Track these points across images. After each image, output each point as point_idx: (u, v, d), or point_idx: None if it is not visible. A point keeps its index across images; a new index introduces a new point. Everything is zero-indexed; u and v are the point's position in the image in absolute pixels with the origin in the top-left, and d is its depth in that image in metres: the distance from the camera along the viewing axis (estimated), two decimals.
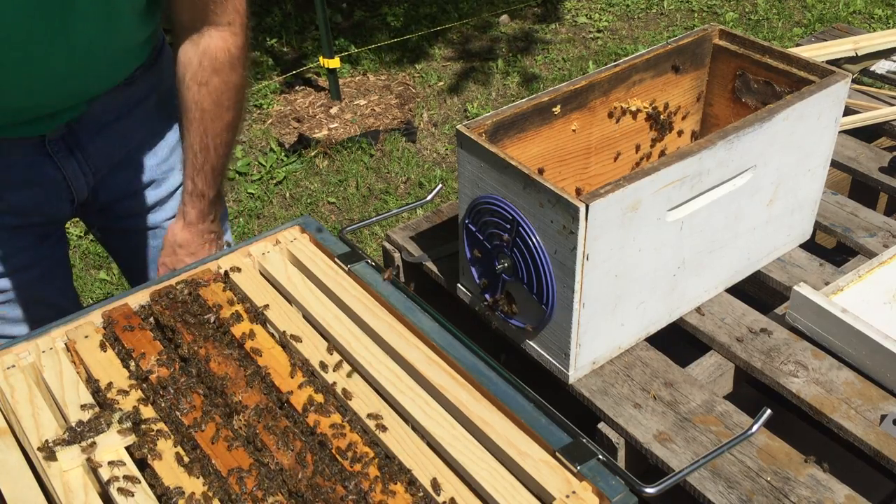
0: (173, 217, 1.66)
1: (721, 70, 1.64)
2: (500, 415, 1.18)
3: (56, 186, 1.53)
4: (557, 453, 1.12)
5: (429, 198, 1.68)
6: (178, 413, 1.19)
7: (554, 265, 1.27)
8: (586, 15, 4.95)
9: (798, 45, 2.24)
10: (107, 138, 1.55)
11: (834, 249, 1.87)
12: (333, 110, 4.20)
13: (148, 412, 1.20)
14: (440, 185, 1.78)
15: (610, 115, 1.57)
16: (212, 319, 1.35)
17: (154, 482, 1.11)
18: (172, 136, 1.65)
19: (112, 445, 1.14)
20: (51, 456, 1.12)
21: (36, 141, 1.46)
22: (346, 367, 1.27)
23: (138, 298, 1.40)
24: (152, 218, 1.70)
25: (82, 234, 3.50)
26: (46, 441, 1.14)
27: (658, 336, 1.46)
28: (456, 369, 1.25)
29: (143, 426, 1.17)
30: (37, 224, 1.57)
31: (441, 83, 4.36)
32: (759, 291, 1.60)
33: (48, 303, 1.63)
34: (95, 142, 1.53)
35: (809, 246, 1.65)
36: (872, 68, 2.21)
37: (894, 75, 2.18)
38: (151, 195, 1.67)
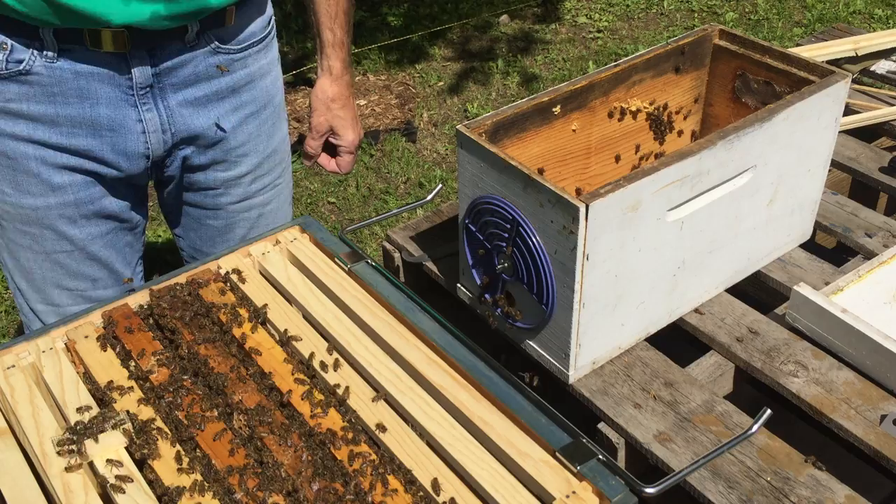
0: (236, 202, 1.68)
1: (721, 70, 1.64)
2: (500, 415, 1.18)
3: (135, 135, 1.51)
4: (557, 453, 1.12)
5: (429, 198, 1.68)
6: (177, 413, 1.19)
7: (554, 265, 1.27)
8: (586, 15, 4.95)
9: (798, 45, 2.24)
10: (192, 105, 1.54)
11: (834, 249, 1.87)
12: None
13: (148, 412, 1.20)
14: (440, 185, 1.78)
15: (610, 115, 1.57)
16: (212, 319, 1.35)
17: (154, 482, 1.11)
18: (257, 117, 1.64)
19: (112, 445, 1.14)
20: (51, 456, 1.12)
21: (124, 84, 1.45)
22: (346, 367, 1.27)
23: (138, 298, 1.40)
24: (213, 199, 1.69)
25: None
26: (46, 441, 1.14)
27: (658, 336, 1.46)
28: (456, 369, 1.25)
29: (143, 426, 1.17)
30: (111, 178, 1.55)
31: (441, 83, 4.36)
32: (759, 291, 1.60)
33: (110, 267, 1.61)
34: (181, 99, 1.52)
35: (809, 246, 1.65)
36: (872, 68, 2.21)
37: (894, 75, 2.18)
38: (221, 175, 1.65)
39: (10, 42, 1.39)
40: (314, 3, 1.62)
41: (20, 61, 1.40)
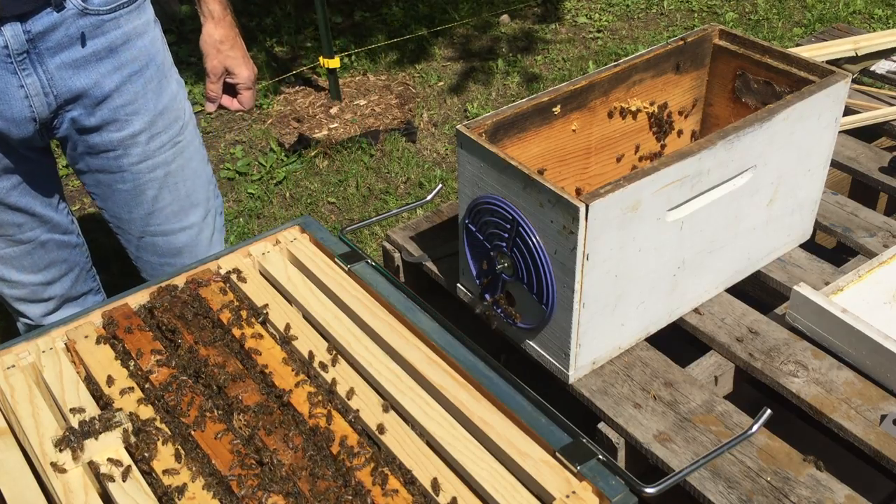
0: (137, 162, 1.72)
1: (721, 70, 1.64)
2: (500, 415, 1.18)
3: (18, 101, 1.55)
4: (557, 453, 1.12)
5: (429, 198, 1.68)
6: (177, 413, 1.19)
7: (554, 265, 1.27)
8: (586, 15, 4.95)
9: (798, 45, 2.24)
10: (71, 67, 1.58)
11: (834, 249, 1.87)
12: (333, 110, 4.20)
13: (148, 412, 1.20)
14: (440, 185, 1.78)
15: (610, 115, 1.57)
16: (212, 319, 1.35)
17: (154, 482, 1.11)
18: (140, 76, 1.67)
19: (112, 445, 1.14)
20: (51, 456, 1.12)
21: (1, 52, 1.49)
22: (346, 367, 1.27)
23: (138, 298, 1.40)
24: (115, 161, 1.72)
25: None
26: (46, 441, 1.14)
27: (658, 336, 1.46)
28: (456, 369, 1.25)
29: (143, 426, 1.17)
30: (4, 141, 1.60)
31: (441, 83, 4.36)
32: (759, 291, 1.60)
33: (31, 212, 1.69)
34: (58, 61, 1.56)
35: (809, 246, 1.65)
36: (872, 68, 2.21)
37: (894, 75, 2.18)
38: (115, 136, 1.69)
39: None
40: None
41: None
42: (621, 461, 1.32)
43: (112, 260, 2.80)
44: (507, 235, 1.33)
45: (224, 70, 1.78)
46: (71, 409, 1.19)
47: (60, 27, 1.53)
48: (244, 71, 1.80)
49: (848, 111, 1.99)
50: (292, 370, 1.26)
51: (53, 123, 1.64)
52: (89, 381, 1.27)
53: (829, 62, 2.09)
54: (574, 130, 1.53)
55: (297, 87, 4.37)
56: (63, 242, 1.78)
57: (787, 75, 1.53)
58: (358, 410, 1.19)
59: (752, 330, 1.45)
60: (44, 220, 1.72)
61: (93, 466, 1.13)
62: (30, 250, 1.72)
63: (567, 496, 1.06)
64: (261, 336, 1.32)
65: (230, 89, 1.83)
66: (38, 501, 1.08)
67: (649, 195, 1.27)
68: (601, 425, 1.33)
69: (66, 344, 1.33)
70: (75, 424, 1.16)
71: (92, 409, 1.20)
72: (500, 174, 1.31)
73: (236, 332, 1.32)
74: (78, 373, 1.27)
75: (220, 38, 1.75)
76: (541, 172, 1.47)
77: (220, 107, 1.84)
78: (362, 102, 4.27)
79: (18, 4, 1.47)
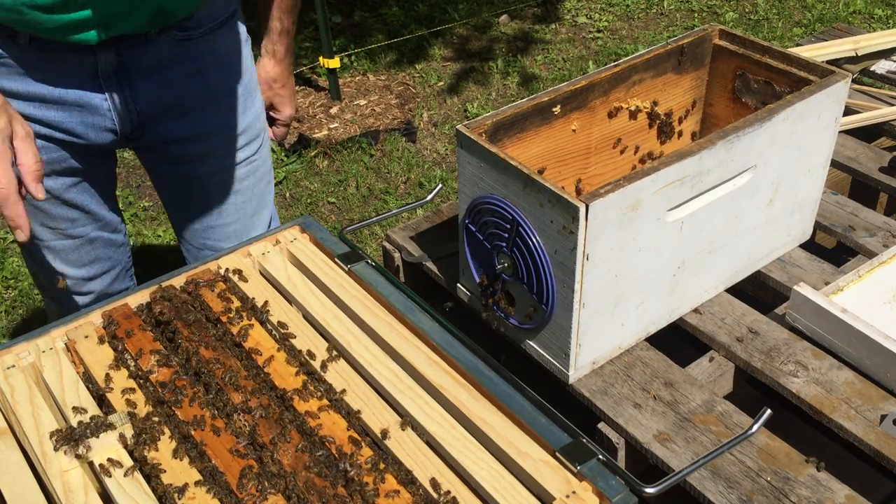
0: (212, 174, 1.76)
1: (721, 70, 1.64)
2: (500, 415, 1.18)
3: (101, 115, 1.58)
4: (557, 453, 1.12)
5: (429, 198, 1.68)
6: (177, 413, 1.19)
7: (554, 265, 1.27)
8: (586, 15, 4.95)
9: (798, 45, 2.24)
10: (158, 83, 1.60)
11: (834, 249, 1.87)
12: (333, 110, 4.20)
13: (148, 412, 1.20)
14: (440, 185, 1.78)
15: (610, 115, 1.57)
16: (212, 319, 1.35)
17: (154, 482, 1.11)
18: (226, 94, 1.70)
19: (112, 445, 1.14)
20: (51, 456, 1.12)
21: (90, 68, 1.52)
22: (346, 367, 1.27)
23: (138, 298, 1.40)
24: (199, 168, 1.75)
25: None
26: (46, 440, 1.14)
27: (658, 336, 1.46)
28: (456, 369, 1.25)
29: (143, 426, 1.17)
30: (80, 145, 1.63)
31: (441, 83, 4.36)
32: (759, 291, 1.60)
33: (85, 209, 1.72)
34: (146, 84, 1.58)
35: (809, 246, 1.65)
36: (872, 68, 2.21)
37: (894, 75, 2.18)
38: (199, 146, 1.71)
39: None
40: None
41: None
42: (621, 461, 1.32)
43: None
44: (507, 235, 1.33)
45: (269, 105, 1.86)
46: (71, 410, 1.19)
47: (152, 50, 1.55)
48: (287, 110, 1.90)
49: (848, 111, 1.99)
50: (292, 370, 1.26)
51: (133, 134, 1.66)
52: (89, 381, 1.27)
53: (829, 62, 2.09)
54: (574, 130, 1.53)
55: (297, 87, 4.37)
56: (110, 241, 1.80)
57: (787, 75, 1.53)
58: (358, 410, 1.19)
59: (752, 330, 1.45)
60: (96, 217, 1.74)
61: (93, 466, 1.13)
62: (78, 245, 1.74)
63: (567, 496, 1.06)
64: (261, 336, 1.32)
65: (268, 120, 1.90)
66: (38, 501, 1.08)
67: (649, 195, 1.27)
68: (601, 425, 1.33)
69: (66, 344, 1.33)
70: (75, 424, 1.16)
71: (92, 409, 1.20)
72: (500, 174, 1.31)
73: (236, 331, 1.32)
74: (78, 373, 1.27)
75: (275, 76, 1.83)
76: (541, 172, 1.47)
77: None
78: (362, 102, 4.27)
79: (120, 33, 1.49)
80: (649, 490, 1.08)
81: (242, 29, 1.72)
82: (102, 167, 1.72)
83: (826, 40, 2.24)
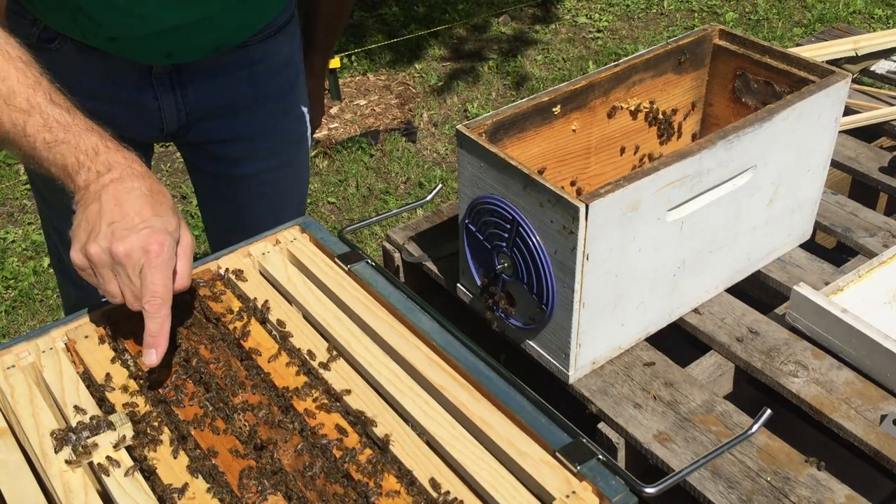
0: (259, 173, 1.78)
1: (721, 70, 1.64)
2: (500, 415, 1.18)
3: (150, 114, 1.61)
4: (557, 453, 1.12)
5: (429, 198, 1.68)
6: (178, 413, 1.19)
7: (554, 265, 1.27)
8: (586, 15, 4.95)
9: (798, 45, 2.24)
10: (210, 87, 1.62)
11: (834, 249, 1.87)
12: (333, 110, 4.20)
13: (148, 412, 1.20)
14: (440, 185, 1.78)
15: (610, 115, 1.57)
16: (212, 319, 1.35)
17: (154, 482, 1.11)
18: (275, 98, 1.72)
19: (112, 445, 1.14)
20: (51, 456, 1.12)
21: (144, 70, 1.55)
22: (346, 367, 1.27)
23: None
24: (239, 169, 1.77)
25: None
26: (46, 439, 1.14)
27: (658, 336, 1.46)
28: (456, 369, 1.25)
29: (143, 426, 1.17)
30: (124, 138, 1.65)
31: (441, 83, 4.36)
32: (759, 291, 1.60)
33: None
34: (198, 87, 1.61)
35: (809, 246, 1.65)
36: (872, 68, 2.21)
37: (894, 75, 2.18)
38: (243, 147, 1.73)
39: (44, 25, 1.49)
40: (318, 10, 1.78)
41: (51, 39, 1.50)
42: (621, 461, 1.32)
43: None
44: (507, 235, 1.33)
45: None
46: (71, 410, 1.19)
47: (207, 58, 1.57)
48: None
49: (848, 111, 1.99)
50: (292, 370, 1.26)
51: (179, 132, 1.68)
52: (89, 381, 1.27)
53: (829, 62, 2.09)
54: (574, 130, 1.53)
55: None
56: None
57: (787, 75, 1.53)
58: (358, 410, 1.19)
59: (752, 330, 1.45)
60: None
61: (93, 466, 1.13)
62: None
63: (567, 496, 1.06)
64: (261, 336, 1.32)
65: None
66: (38, 501, 1.08)
67: (649, 195, 1.27)
68: (601, 425, 1.33)
69: (66, 344, 1.33)
70: (75, 424, 1.16)
71: (92, 409, 1.20)
72: (500, 174, 1.31)
73: (236, 331, 1.32)
74: (78, 373, 1.27)
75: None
76: (541, 172, 1.47)
77: None
78: (362, 102, 4.27)
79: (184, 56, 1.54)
80: (649, 490, 1.08)
81: (297, 34, 1.73)
82: (139, 157, 1.75)
83: (826, 40, 2.24)
